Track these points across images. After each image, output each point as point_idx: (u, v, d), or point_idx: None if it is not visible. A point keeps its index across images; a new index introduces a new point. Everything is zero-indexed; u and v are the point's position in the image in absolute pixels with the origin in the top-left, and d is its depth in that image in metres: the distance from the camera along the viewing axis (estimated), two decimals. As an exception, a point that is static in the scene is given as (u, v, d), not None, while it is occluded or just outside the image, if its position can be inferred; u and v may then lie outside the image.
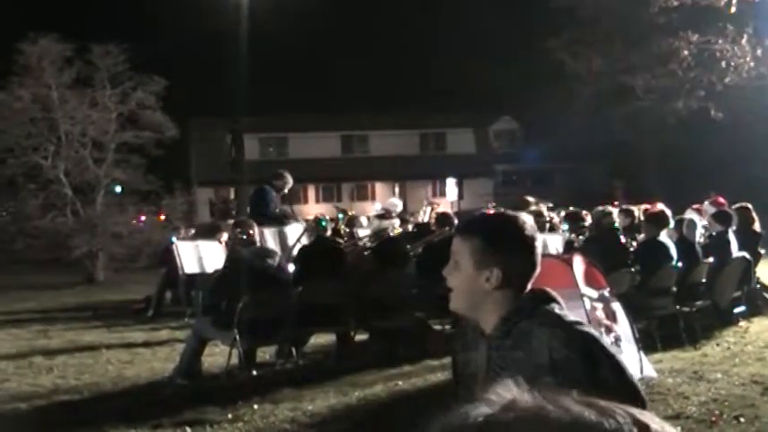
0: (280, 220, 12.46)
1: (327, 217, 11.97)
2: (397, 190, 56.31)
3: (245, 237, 9.45)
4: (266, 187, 14.05)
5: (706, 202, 15.75)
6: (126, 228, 24.61)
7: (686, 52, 34.99)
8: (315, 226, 10.93)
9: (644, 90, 38.63)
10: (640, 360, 8.38)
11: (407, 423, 7.27)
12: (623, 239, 11.67)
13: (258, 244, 10.08)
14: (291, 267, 10.96)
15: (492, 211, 3.22)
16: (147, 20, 67.62)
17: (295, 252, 11.36)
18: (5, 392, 8.97)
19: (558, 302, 2.99)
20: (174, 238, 15.52)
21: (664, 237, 11.08)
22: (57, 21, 29.85)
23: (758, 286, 13.20)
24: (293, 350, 9.99)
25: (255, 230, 9.83)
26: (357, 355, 10.32)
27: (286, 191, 14.22)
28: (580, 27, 39.96)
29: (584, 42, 40.03)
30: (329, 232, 11.24)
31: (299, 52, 69.45)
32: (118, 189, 26.29)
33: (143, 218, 26.79)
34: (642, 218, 12.90)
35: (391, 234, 11.69)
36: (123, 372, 9.95)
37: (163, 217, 27.06)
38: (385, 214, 12.53)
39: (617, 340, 8.21)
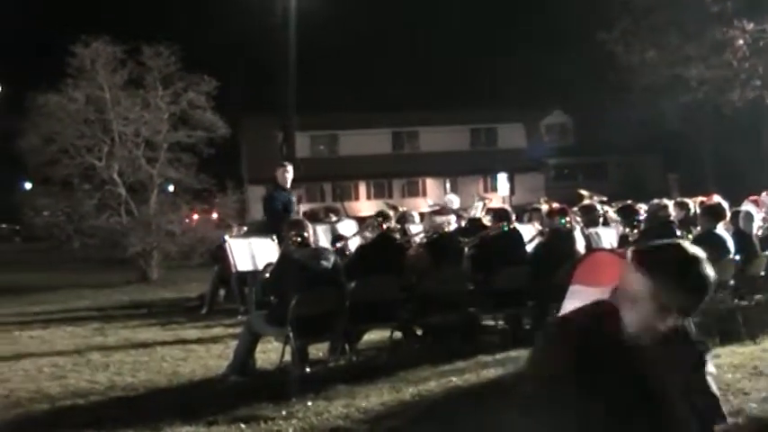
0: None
1: (391, 213, 11.92)
2: (448, 186, 56.31)
3: (300, 239, 9.32)
4: (269, 194, 14.50)
5: (764, 194, 15.52)
6: (179, 226, 24.80)
7: (741, 41, 34.53)
8: (374, 222, 10.91)
9: (698, 81, 38.12)
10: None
11: (461, 419, 7.23)
12: (679, 233, 11.51)
13: (313, 245, 10.03)
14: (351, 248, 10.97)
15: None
16: (197, 20, 68.07)
17: (353, 247, 11.35)
18: (64, 389, 9.07)
19: None
20: (226, 236, 15.58)
21: (720, 230, 10.91)
22: (108, 23, 30.12)
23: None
24: (346, 347, 9.98)
25: (310, 231, 9.74)
26: (410, 351, 10.30)
27: (288, 176, 14.50)
28: (633, 18, 39.55)
29: (637, 34, 39.62)
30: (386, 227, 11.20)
31: (350, 50, 69.65)
32: (170, 188, 26.47)
33: (195, 216, 26.98)
34: (698, 211, 12.71)
35: (445, 230, 11.62)
36: (178, 369, 10.02)
37: (215, 215, 27.21)
38: (441, 210, 12.48)
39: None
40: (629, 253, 3.21)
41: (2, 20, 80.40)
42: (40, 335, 13.39)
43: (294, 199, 14.93)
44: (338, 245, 11.83)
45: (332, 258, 9.47)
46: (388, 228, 11.24)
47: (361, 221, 12.66)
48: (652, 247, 3.24)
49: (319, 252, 9.53)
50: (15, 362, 10.84)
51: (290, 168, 14.76)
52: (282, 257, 9.61)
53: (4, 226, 62.29)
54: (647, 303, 3.10)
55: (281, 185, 14.60)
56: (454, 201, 16.74)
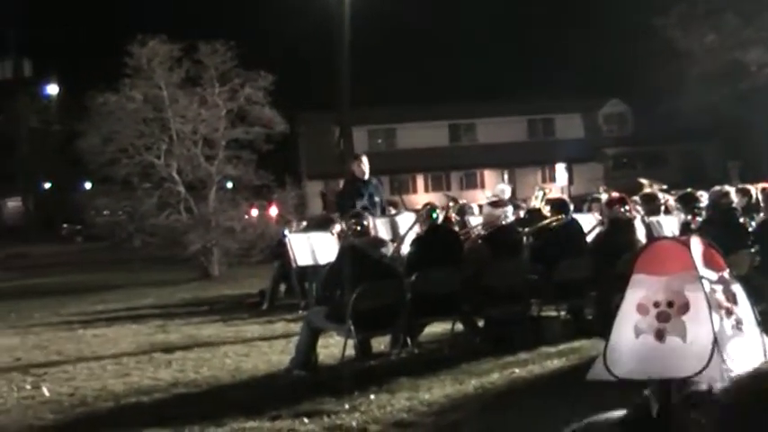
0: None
1: (439, 205, 11.88)
2: (506, 177, 56.03)
3: (359, 228, 9.45)
4: (342, 189, 14.49)
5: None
6: (239, 223, 24.92)
7: (801, 24, 33.91)
8: (426, 215, 10.88)
9: (758, 65, 37.52)
10: (763, 343, 8.09)
11: (525, 411, 7.17)
12: (741, 219, 11.34)
13: (372, 234, 10.07)
14: (405, 250, 10.96)
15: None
16: (252, 16, 68.48)
17: (408, 241, 11.32)
18: (127, 386, 9.16)
19: None
20: (286, 231, 15.66)
21: (784, 215, 10.74)
22: (164, 21, 30.36)
23: None
24: (408, 340, 9.97)
25: (370, 222, 9.81)
26: (472, 343, 10.26)
27: (365, 167, 14.37)
28: (689, 2, 39.00)
29: (695, 18, 39.06)
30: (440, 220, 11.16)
31: (405, 43, 69.61)
32: (229, 185, 26.60)
33: (255, 212, 27.10)
34: (760, 197, 12.52)
35: (504, 222, 11.54)
36: (241, 365, 10.06)
37: (275, 211, 27.32)
38: (498, 202, 12.42)
39: (738, 323, 7.93)
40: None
41: (59, 21, 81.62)
42: (103, 333, 13.55)
43: (372, 191, 14.67)
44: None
45: (390, 247, 9.52)
46: (446, 219, 11.21)
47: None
48: None
49: (377, 241, 9.58)
50: (79, 360, 10.98)
51: (364, 159, 14.63)
52: (342, 249, 9.68)
53: (65, 226, 63.06)
54: None
55: (359, 178, 14.47)
56: (506, 190, 16.61)
